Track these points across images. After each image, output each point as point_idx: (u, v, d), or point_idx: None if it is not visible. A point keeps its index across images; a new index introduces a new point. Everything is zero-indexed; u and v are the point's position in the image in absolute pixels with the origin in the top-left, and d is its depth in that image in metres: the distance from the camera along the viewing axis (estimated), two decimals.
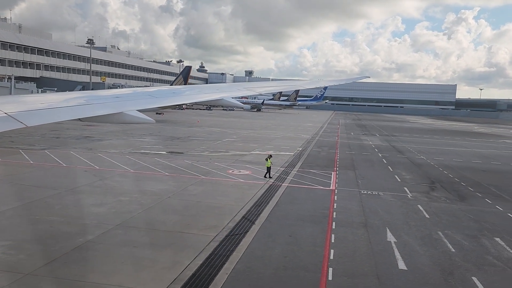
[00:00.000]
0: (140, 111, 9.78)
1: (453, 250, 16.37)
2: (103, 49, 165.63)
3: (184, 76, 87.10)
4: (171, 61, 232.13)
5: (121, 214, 18.83)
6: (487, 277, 13.99)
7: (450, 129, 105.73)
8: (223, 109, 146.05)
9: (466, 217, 21.50)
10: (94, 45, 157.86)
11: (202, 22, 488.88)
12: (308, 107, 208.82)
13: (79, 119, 8.51)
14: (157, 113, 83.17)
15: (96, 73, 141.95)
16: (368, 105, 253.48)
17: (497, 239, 18.08)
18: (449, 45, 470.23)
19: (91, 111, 8.93)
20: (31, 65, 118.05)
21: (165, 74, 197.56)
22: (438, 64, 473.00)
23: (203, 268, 13.58)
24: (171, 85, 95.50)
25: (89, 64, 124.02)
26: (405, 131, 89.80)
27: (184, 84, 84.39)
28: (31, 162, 30.41)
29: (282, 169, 32.97)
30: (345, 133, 74.44)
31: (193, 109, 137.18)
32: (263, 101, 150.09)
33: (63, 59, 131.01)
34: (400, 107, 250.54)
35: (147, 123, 10.19)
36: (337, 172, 32.95)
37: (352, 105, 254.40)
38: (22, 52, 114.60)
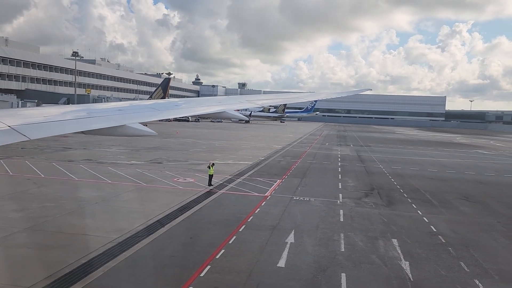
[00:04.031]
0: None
1: (342, 250, 17.10)
2: (92, 61, 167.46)
3: (164, 88, 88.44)
4: (162, 73, 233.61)
5: (36, 219, 19.50)
6: (356, 274, 14.70)
7: (429, 140, 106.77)
8: (211, 121, 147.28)
9: (380, 220, 22.24)
10: (83, 58, 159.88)
11: (199, 35, 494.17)
12: (300, 119, 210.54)
13: (82, 132, 8.52)
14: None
15: (84, 86, 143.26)
16: (359, 117, 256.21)
17: (394, 240, 18.81)
18: (442, 57, 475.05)
19: (94, 124, 8.96)
20: (16, 77, 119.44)
21: (155, 87, 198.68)
22: (433, 76, 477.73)
23: (84, 266, 14.25)
24: (150, 97, 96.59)
25: (77, 76, 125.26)
26: (382, 141, 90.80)
27: (163, 96, 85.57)
28: None
29: (230, 177, 33.70)
30: (320, 144, 75.34)
31: (179, 121, 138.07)
32: (251, 113, 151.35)
33: (49, 71, 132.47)
34: (391, 118, 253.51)
35: (149, 135, 10.38)
36: (283, 180, 33.70)
37: (343, 116, 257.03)
38: (7, 64, 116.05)
